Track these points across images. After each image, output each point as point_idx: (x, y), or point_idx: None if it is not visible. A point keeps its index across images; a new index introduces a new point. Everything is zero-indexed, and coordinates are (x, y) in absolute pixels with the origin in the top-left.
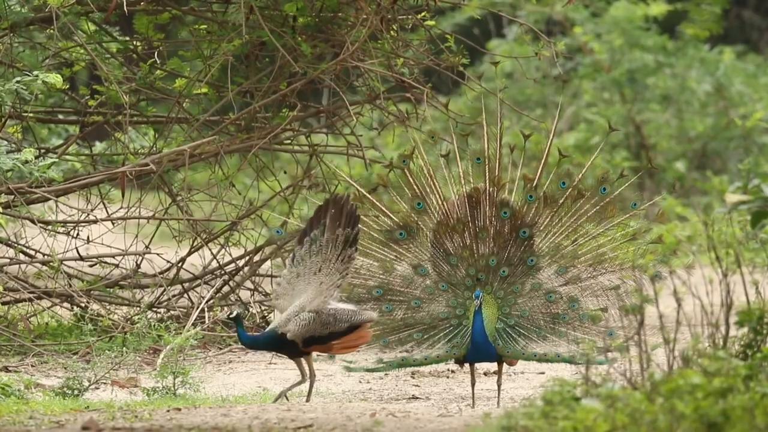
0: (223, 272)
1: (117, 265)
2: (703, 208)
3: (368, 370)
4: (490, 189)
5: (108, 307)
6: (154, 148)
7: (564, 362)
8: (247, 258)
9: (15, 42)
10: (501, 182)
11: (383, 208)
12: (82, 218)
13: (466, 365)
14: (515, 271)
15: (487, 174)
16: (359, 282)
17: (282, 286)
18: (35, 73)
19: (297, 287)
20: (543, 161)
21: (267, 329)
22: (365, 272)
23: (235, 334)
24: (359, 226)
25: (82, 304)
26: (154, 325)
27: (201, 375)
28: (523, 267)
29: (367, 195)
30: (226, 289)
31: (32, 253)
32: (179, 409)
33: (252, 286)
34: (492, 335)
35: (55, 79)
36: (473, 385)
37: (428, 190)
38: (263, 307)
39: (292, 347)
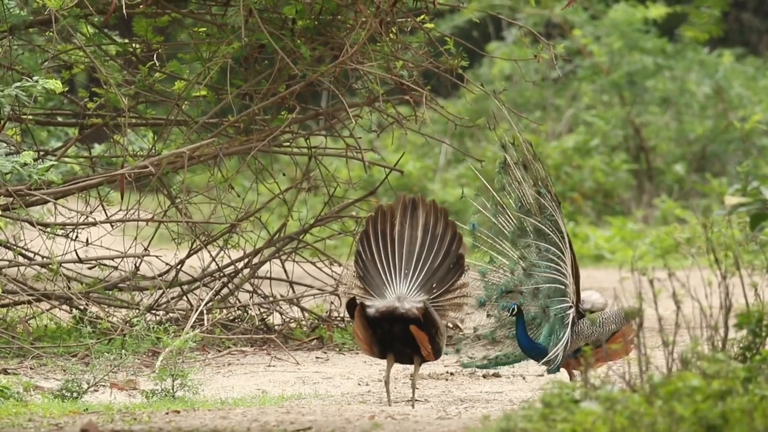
0: (222, 274)
1: (116, 268)
2: (702, 211)
3: (478, 367)
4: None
5: (107, 310)
6: (153, 151)
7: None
8: (247, 260)
9: (14, 45)
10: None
11: (505, 208)
12: (81, 220)
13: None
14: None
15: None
16: (496, 279)
17: None
18: (35, 78)
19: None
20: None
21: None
22: (502, 271)
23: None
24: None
25: (81, 307)
26: (153, 328)
27: (200, 377)
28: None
29: (496, 195)
30: (225, 291)
31: (31, 255)
32: (178, 412)
33: (251, 289)
34: (548, 338)
35: (55, 85)
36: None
37: (523, 191)
38: (262, 310)
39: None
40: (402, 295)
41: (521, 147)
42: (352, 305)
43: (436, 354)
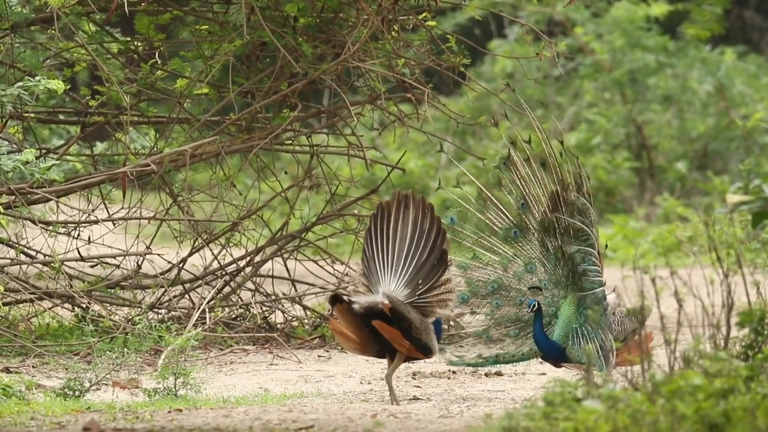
0: (224, 273)
1: (118, 266)
2: (704, 209)
3: (469, 365)
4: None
5: (109, 308)
6: (155, 149)
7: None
8: (249, 258)
9: (16, 42)
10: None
11: (499, 206)
12: (83, 219)
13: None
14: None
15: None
16: (483, 276)
17: None
18: (38, 78)
19: None
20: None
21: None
22: (491, 269)
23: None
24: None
25: (83, 305)
26: (155, 326)
27: (202, 376)
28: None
29: (487, 192)
30: (227, 289)
31: (33, 253)
32: (180, 410)
33: (253, 287)
34: (564, 337)
35: (58, 85)
36: None
37: (529, 189)
38: (264, 308)
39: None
40: (389, 291)
41: (545, 144)
42: (333, 301)
43: (424, 350)
